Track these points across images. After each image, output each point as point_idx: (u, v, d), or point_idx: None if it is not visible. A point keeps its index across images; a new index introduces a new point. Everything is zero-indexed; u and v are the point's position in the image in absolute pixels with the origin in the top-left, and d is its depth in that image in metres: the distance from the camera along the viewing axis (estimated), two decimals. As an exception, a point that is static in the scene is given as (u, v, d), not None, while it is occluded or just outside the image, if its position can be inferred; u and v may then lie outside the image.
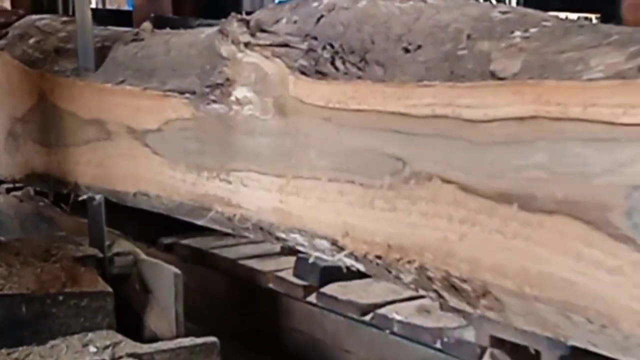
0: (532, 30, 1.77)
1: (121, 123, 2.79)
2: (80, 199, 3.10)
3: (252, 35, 2.24)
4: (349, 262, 2.07)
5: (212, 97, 2.37)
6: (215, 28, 2.45)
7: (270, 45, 2.19)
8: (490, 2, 2.09)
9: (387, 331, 2.64)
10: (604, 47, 1.59)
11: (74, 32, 3.37)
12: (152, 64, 2.78)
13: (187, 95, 2.48)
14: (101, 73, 2.96)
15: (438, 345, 2.47)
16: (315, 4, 2.23)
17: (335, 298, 2.84)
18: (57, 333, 2.63)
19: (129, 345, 2.58)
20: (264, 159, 2.21)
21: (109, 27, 3.31)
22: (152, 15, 3.80)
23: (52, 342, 2.61)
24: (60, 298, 2.65)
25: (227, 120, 2.32)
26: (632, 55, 1.51)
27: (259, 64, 2.21)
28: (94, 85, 2.94)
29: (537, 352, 1.86)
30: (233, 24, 2.29)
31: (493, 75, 1.74)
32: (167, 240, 3.66)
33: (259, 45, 2.22)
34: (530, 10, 1.88)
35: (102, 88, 2.89)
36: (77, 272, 2.77)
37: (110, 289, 2.74)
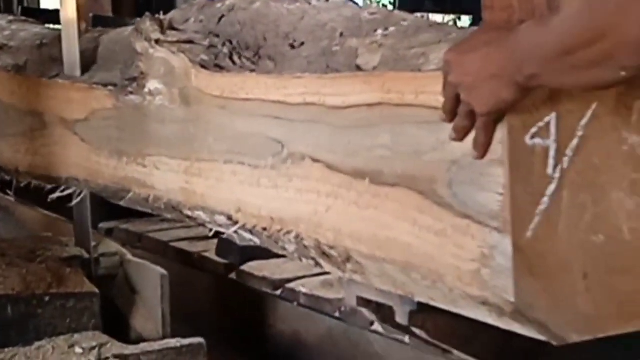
0: (391, 29, 2.02)
1: (55, 114, 3.03)
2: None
3: (162, 32, 2.49)
4: (246, 235, 2.32)
5: (130, 89, 2.62)
6: (136, 26, 2.69)
7: (177, 42, 2.44)
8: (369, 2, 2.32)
9: (295, 303, 2.89)
10: (443, 44, 1.84)
11: (18, 31, 3.62)
12: (83, 60, 3.02)
13: (110, 87, 2.73)
14: (38, 68, 3.20)
15: (337, 314, 2.72)
16: (219, 5, 2.49)
17: (252, 275, 3.09)
18: (43, 334, 2.61)
19: (115, 347, 2.56)
20: (172, 144, 2.46)
21: (50, 26, 3.54)
22: (91, 14, 4.06)
23: (38, 343, 2.59)
24: (46, 299, 2.63)
25: (142, 109, 2.57)
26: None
27: (167, 59, 2.45)
28: (32, 79, 3.18)
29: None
30: (146, 23, 2.54)
31: (358, 68, 2.00)
32: (108, 225, 3.90)
33: (167, 42, 2.46)
34: (395, 12, 2.14)
35: (39, 82, 3.13)
36: (63, 273, 2.76)
37: (96, 290, 2.73)
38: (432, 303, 1.86)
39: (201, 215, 2.40)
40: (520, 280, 1.60)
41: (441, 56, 1.79)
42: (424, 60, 1.83)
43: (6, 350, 2.55)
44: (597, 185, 1.64)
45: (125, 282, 2.90)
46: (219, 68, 2.31)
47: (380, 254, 1.87)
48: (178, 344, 2.54)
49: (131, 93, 2.62)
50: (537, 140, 1.60)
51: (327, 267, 2.09)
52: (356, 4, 2.26)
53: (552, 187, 1.61)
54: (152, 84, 2.52)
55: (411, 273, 1.81)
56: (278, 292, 2.97)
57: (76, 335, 2.61)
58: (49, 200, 3.14)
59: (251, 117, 2.18)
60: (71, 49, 2.99)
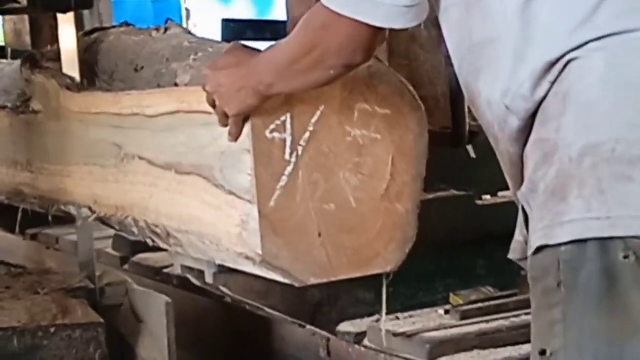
0: (200, 54, 2.58)
1: (-31, 133, 3.59)
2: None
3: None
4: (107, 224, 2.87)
5: (21, 110, 3.18)
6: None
7: (51, 69, 3.00)
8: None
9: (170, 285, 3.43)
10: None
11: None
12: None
13: (8, 109, 3.29)
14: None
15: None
16: (87, 39, 3.06)
17: (140, 264, 3.64)
18: (49, 365, 2.60)
19: (121, 375, 2.64)
20: (50, 153, 3.02)
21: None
22: (10, 49, 4.63)
23: (44, 375, 2.61)
24: (52, 330, 2.67)
25: (29, 126, 3.13)
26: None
27: (44, 84, 3.02)
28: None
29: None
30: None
31: (176, 85, 2.56)
32: (33, 231, 4.43)
33: (45, 69, 3.03)
34: (207, 40, 2.70)
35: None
36: (68, 304, 2.83)
37: (101, 320, 2.78)
38: (225, 263, 2.40)
39: (72, 209, 2.96)
40: (266, 238, 2.14)
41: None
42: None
43: (14, 382, 2.59)
44: (327, 167, 2.19)
45: (131, 311, 2.97)
46: (79, 89, 2.86)
47: (185, 227, 2.42)
48: (184, 372, 2.59)
49: (22, 113, 3.17)
50: (276, 134, 2.15)
51: (159, 243, 2.63)
52: (191, 33, 2.82)
53: (289, 169, 2.16)
54: (35, 105, 3.08)
55: (204, 240, 2.36)
56: (157, 278, 3.51)
57: (82, 366, 2.64)
58: None
59: (99, 127, 2.73)
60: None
